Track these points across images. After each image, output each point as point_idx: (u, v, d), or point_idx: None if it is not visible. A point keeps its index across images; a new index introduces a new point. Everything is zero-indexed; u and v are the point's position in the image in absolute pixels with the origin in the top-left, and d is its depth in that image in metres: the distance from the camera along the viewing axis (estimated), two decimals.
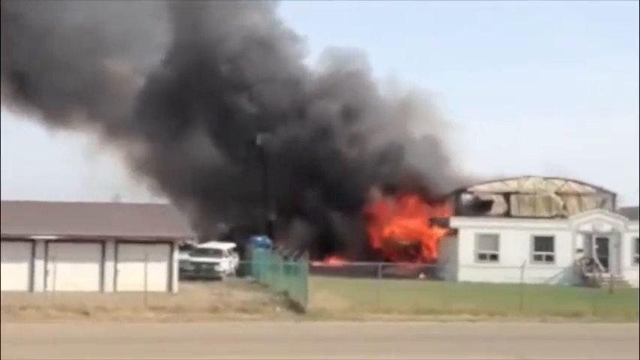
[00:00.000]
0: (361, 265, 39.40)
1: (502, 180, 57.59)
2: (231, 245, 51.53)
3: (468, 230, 50.89)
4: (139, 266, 35.09)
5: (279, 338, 26.41)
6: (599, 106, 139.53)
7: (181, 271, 41.15)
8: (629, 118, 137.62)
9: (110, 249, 38.49)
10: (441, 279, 40.70)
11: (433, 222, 56.22)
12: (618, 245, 50.60)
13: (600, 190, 57.24)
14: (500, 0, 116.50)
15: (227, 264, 47.32)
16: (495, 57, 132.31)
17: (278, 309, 32.68)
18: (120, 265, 38.14)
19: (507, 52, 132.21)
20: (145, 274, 34.19)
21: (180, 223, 42.26)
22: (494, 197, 56.88)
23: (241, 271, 46.98)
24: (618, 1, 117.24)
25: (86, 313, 29.84)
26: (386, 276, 37.77)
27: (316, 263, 38.25)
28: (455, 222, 51.93)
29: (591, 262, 49.63)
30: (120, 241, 38.50)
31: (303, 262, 34.28)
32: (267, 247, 51.44)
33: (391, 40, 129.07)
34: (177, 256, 39.79)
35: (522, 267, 36.26)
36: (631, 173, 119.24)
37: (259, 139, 61.44)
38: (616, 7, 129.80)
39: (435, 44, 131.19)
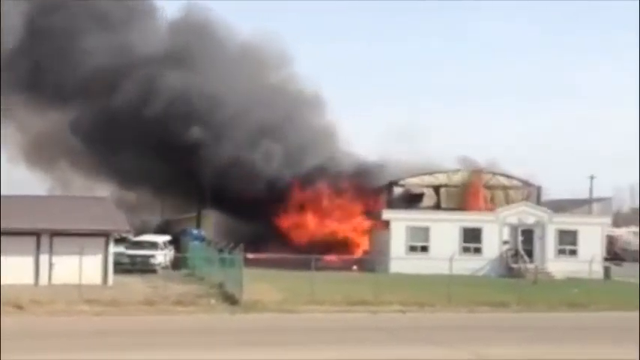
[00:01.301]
0: (295, 258, 39.45)
1: (432, 173, 58.15)
2: (167, 238, 51.19)
3: (400, 223, 51.25)
4: (74, 259, 34.61)
5: (213, 330, 26.32)
6: (532, 101, 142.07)
7: (117, 264, 40.73)
8: (555, 114, 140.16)
9: (45, 242, 37.92)
10: (373, 271, 40.93)
11: (366, 214, 56.54)
12: (542, 237, 51.40)
13: (526, 184, 58.14)
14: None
15: (162, 257, 46.95)
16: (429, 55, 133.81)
17: (213, 301, 32.55)
18: (55, 258, 37.57)
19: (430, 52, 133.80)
20: (80, 267, 33.75)
21: (115, 216, 41.77)
22: (424, 190, 57.41)
23: (177, 264, 46.66)
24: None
25: (20, 307, 29.32)
26: (320, 268, 37.88)
27: (252, 256, 38.14)
28: (387, 214, 52.26)
29: (517, 253, 50.40)
30: (55, 234, 37.93)
31: (238, 255, 34.22)
32: (203, 239, 51.25)
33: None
34: (113, 248, 39.38)
35: (451, 259, 36.68)
36: (554, 167, 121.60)
37: (194, 133, 61.05)
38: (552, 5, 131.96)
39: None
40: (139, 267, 44.33)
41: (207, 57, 62.83)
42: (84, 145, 62.97)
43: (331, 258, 48.49)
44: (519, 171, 59.81)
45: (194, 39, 62.92)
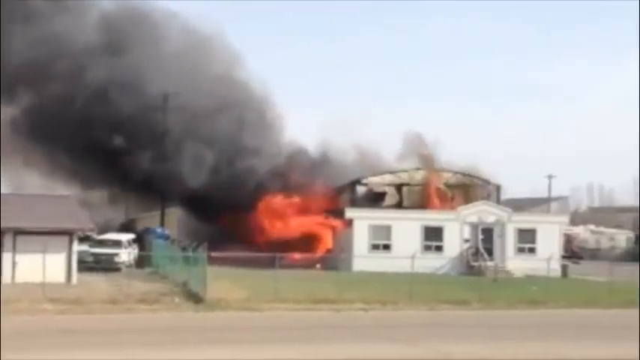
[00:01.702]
0: (259, 256, 39.41)
1: (394, 172, 58.39)
2: (131, 236, 50.87)
3: (362, 221, 51.41)
4: (37, 258, 34.29)
5: (177, 329, 26.15)
6: (492, 101, 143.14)
7: (81, 262, 40.43)
8: (514, 114, 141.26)
9: (8, 240, 37.54)
10: (337, 269, 41.00)
11: (329, 213, 56.59)
12: (502, 235, 51.80)
13: (486, 183, 58.57)
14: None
15: (126, 255, 46.68)
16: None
17: (177, 300, 32.42)
18: (18, 257, 37.19)
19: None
20: (44, 266, 33.43)
21: (79, 214, 41.45)
22: (387, 189, 57.65)
23: (141, 263, 46.39)
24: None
25: None
26: (283, 267, 37.88)
27: (215, 254, 38.01)
28: (350, 213, 52.38)
29: (477, 251, 50.74)
30: (18, 232, 37.54)
31: (202, 253, 34.10)
32: (167, 238, 51.02)
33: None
34: (77, 247, 39.09)
35: (413, 257, 36.86)
36: (514, 166, 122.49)
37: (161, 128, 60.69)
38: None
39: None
40: (103, 265, 44.02)
41: (145, 49, 61.48)
42: (30, 144, 61.75)
43: (295, 256, 48.51)
44: (480, 170, 60.36)
45: (130, 31, 61.72)
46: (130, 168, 58.45)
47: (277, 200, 57.51)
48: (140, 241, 51.38)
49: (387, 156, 62.62)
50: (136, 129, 58.75)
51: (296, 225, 56.91)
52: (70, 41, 59.12)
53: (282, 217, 57.19)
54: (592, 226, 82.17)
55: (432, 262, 47.55)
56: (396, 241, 50.24)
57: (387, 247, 50.54)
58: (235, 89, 63.31)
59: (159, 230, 55.00)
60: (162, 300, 32.06)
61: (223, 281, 35.44)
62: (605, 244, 76.05)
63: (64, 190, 56.85)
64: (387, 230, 51.30)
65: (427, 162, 57.62)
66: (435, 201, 56.13)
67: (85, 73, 58.81)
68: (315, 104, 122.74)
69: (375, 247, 50.70)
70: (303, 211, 57.94)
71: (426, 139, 60.06)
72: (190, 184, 57.48)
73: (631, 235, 78.60)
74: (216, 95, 60.95)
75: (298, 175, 58.32)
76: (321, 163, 60.99)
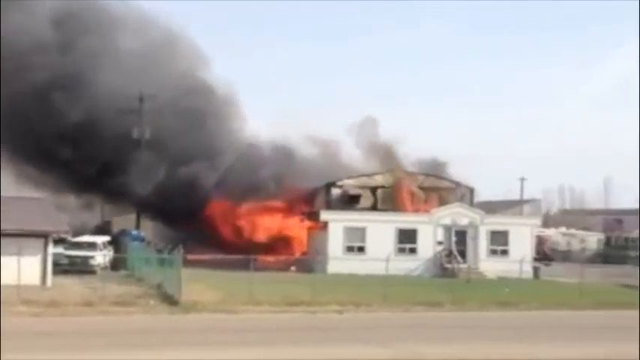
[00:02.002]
0: (234, 259, 39.27)
1: (369, 174, 58.43)
2: (106, 239, 50.53)
3: (337, 223, 51.27)
4: (12, 260, 33.93)
5: (152, 331, 26.04)
6: (465, 104, 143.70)
7: (55, 264, 40.04)
8: (487, 116, 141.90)
9: None
10: (312, 271, 40.93)
11: (304, 215, 56.56)
12: (475, 238, 51.83)
13: (459, 185, 58.72)
14: None
15: (102, 257, 46.30)
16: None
17: (152, 302, 32.23)
18: None
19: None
20: (19, 268, 33.06)
21: (54, 217, 41.10)
22: (361, 191, 57.66)
23: (116, 265, 46.07)
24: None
25: None
26: (259, 269, 37.79)
27: (191, 256, 37.86)
28: (325, 215, 52.28)
29: (450, 253, 50.74)
30: None
31: (177, 255, 33.94)
32: (142, 240, 50.75)
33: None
34: (52, 249, 38.74)
35: (387, 259, 36.89)
36: (487, 168, 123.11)
37: (135, 132, 60.42)
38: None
39: None
40: (78, 268, 43.65)
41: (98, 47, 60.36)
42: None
43: (270, 259, 48.40)
44: (453, 173, 60.59)
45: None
46: (85, 174, 57.97)
47: (255, 201, 57.44)
48: (115, 243, 51.06)
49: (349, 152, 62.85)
50: (83, 135, 57.85)
51: (272, 227, 56.87)
52: (17, 40, 57.46)
53: (259, 218, 57.09)
54: (563, 229, 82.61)
55: (406, 264, 47.50)
56: (370, 244, 50.14)
57: (361, 249, 50.46)
58: (197, 90, 62.95)
59: (134, 232, 54.73)
60: (137, 302, 31.86)
61: (198, 283, 35.29)
62: (576, 246, 76.43)
63: (36, 193, 56.43)
64: (361, 232, 51.22)
65: (388, 159, 57.78)
66: (408, 203, 56.20)
67: (31, 73, 57.62)
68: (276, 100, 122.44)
69: (350, 249, 50.61)
70: (278, 213, 57.90)
71: (381, 129, 60.35)
72: (142, 190, 57.04)
73: (601, 237, 79.12)
74: (174, 96, 60.44)
75: (267, 175, 58.23)
76: (284, 162, 60.73)
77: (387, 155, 58.72)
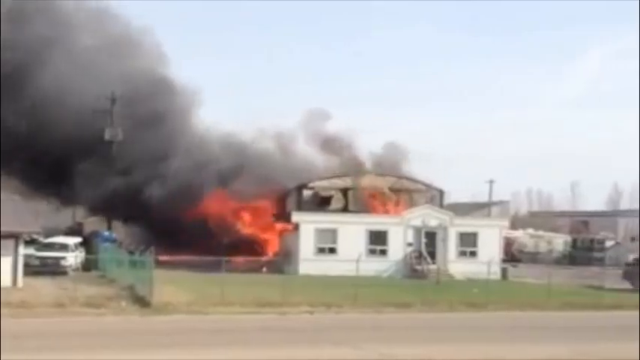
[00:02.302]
0: (206, 260, 39.13)
1: (340, 176, 58.52)
2: (78, 240, 50.17)
3: (309, 225, 51.32)
4: None
5: (123, 332, 25.88)
6: (434, 106, 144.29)
7: (27, 265, 39.71)
8: (457, 119, 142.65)
9: None
10: (283, 272, 40.91)
11: (276, 217, 56.51)
12: (444, 239, 52.11)
13: (429, 187, 58.97)
14: None
15: (73, 259, 45.97)
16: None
17: (123, 303, 32.03)
18: None
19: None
20: None
21: (25, 217, 40.71)
22: (333, 193, 57.74)
23: (88, 266, 45.76)
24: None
25: None
26: (230, 270, 37.68)
27: (163, 258, 37.69)
28: (296, 217, 52.29)
29: (420, 255, 50.97)
30: None
31: (149, 257, 33.79)
32: (114, 241, 50.48)
33: None
34: (23, 250, 38.40)
35: (358, 260, 36.96)
36: (457, 170, 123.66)
37: (107, 133, 60.08)
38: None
39: None
40: (50, 269, 43.29)
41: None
42: None
43: (241, 260, 48.27)
44: (423, 175, 60.84)
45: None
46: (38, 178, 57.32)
47: (227, 203, 57.25)
48: (87, 244, 50.73)
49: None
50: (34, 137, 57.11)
51: (244, 228, 56.74)
52: None
53: (231, 219, 56.94)
54: (531, 230, 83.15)
55: (376, 266, 47.69)
56: (341, 245, 50.23)
57: (332, 250, 50.55)
58: (158, 89, 62.56)
59: (106, 234, 54.42)
60: (108, 304, 31.64)
61: (170, 285, 35.17)
62: (543, 247, 76.99)
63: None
64: (332, 234, 51.29)
65: (350, 163, 58.04)
66: (379, 205, 56.36)
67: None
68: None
69: (321, 250, 50.68)
70: (252, 214, 57.79)
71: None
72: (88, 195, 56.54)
73: (568, 238, 79.75)
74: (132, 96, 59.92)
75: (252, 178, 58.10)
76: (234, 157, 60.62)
77: (340, 149, 58.77)
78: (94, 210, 61.06)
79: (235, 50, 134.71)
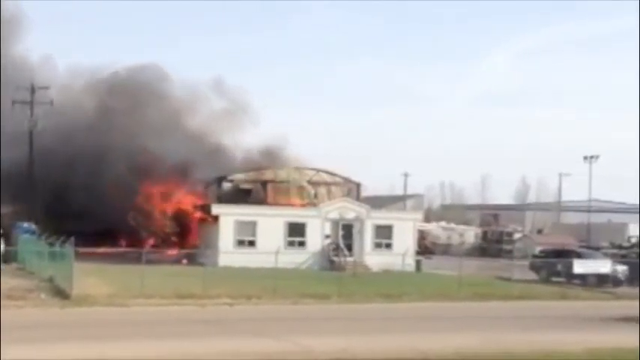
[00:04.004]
0: (127, 252, 38.58)
1: (259, 169, 58.37)
2: None
3: (228, 217, 51.04)
4: None
5: (42, 325, 25.26)
6: (353, 102, 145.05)
7: None
8: (374, 114, 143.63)
9: None
10: (203, 264, 40.58)
11: (196, 209, 56.00)
12: (361, 232, 52.43)
13: (347, 180, 59.26)
14: None
15: None
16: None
17: (43, 296, 31.30)
18: None
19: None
20: None
21: None
22: (252, 186, 57.51)
23: (7, 258, 44.52)
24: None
25: None
26: (151, 262, 37.18)
27: (83, 250, 36.90)
28: (216, 209, 51.93)
29: (337, 247, 51.17)
30: None
31: (69, 249, 33.07)
32: (33, 233, 49.26)
33: None
34: None
35: (277, 252, 36.90)
36: (373, 164, 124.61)
37: (26, 124, 58.74)
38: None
39: None
40: None
41: None
42: None
43: (161, 252, 47.68)
44: (340, 168, 61.12)
45: None
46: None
47: (146, 194, 56.50)
48: (6, 236, 49.35)
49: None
50: None
51: (164, 220, 56.06)
52: None
53: (151, 211, 56.21)
54: (443, 223, 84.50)
55: (295, 258, 47.69)
56: (260, 237, 50.07)
57: (252, 242, 50.35)
58: None
59: (25, 225, 53.05)
60: (27, 296, 30.87)
61: (90, 277, 34.51)
62: (455, 239, 78.32)
63: None
64: (252, 226, 51.11)
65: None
66: (297, 198, 56.40)
67: None
68: None
69: (241, 242, 50.44)
70: (172, 206, 57.15)
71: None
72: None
73: (478, 231, 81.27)
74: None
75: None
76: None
77: None
78: (14, 201, 59.40)
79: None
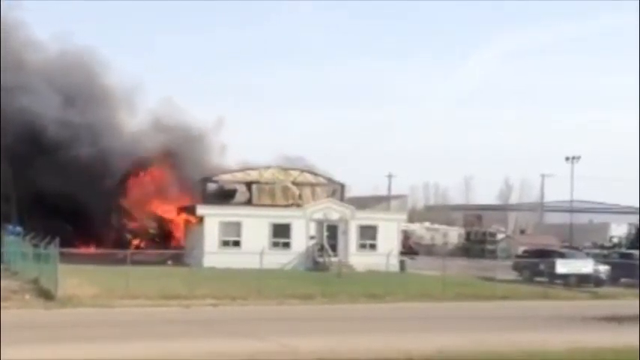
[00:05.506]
0: (112, 253, 38.47)
1: (244, 170, 58.30)
2: None
3: (213, 218, 50.96)
4: None
5: (26, 326, 25.15)
6: (338, 103, 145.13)
7: None
8: (359, 115, 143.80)
9: None
10: (188, 265, 40.49)
11: (181, 209, 55.91)
12: (345, 232, 52.44)
13: (331, 181, 59.27)
14: None
15: None
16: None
17: (27, 297, 31.17)
18: None
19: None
20: None
21: None
22: (237, 186, 57.42)
23: None
24: None
25: None
26: (136, 263, 37.07)
27: (68, 251, 36.75)
28: (201, 210, 51.84)
29: (322, 247, 51.17)
30: None
31: (54, 250, 32.94)
32: (18, 234, 49.01)
33: None
34: None
35: (262, 253, 36.87)
36: (358, 165, 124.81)
37: None
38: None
39: None
40: None
41: None
42: None
43: (147, 252, 47.55)
44: (325, 169, 61.18)
45: None
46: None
47: (131, 196, 56.37)
48: None
49: None
50: None
51: (149, 221, 55.98)
52: None
53: (136, 212, 56.09)
54: (427, 224, 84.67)
55: (280, 258, 47.63)
56: (245, 238, 50.02)
57: (237, 243, 50.27)
58: None
59: (10, 226, 52.78)
60: (12, 297, 30.69)
61: (75, 278, 34.33)
62: (438, 240, 78.50)
63: None
64: (237, 227, 51.03)
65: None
66: (282, 198, 56.38)
67: None
68: None
69: (226, 243, 50.35)
70: (158, 207, 57.06)
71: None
72: None
73: (462, 231, 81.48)
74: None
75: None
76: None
77: None
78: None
79: None
